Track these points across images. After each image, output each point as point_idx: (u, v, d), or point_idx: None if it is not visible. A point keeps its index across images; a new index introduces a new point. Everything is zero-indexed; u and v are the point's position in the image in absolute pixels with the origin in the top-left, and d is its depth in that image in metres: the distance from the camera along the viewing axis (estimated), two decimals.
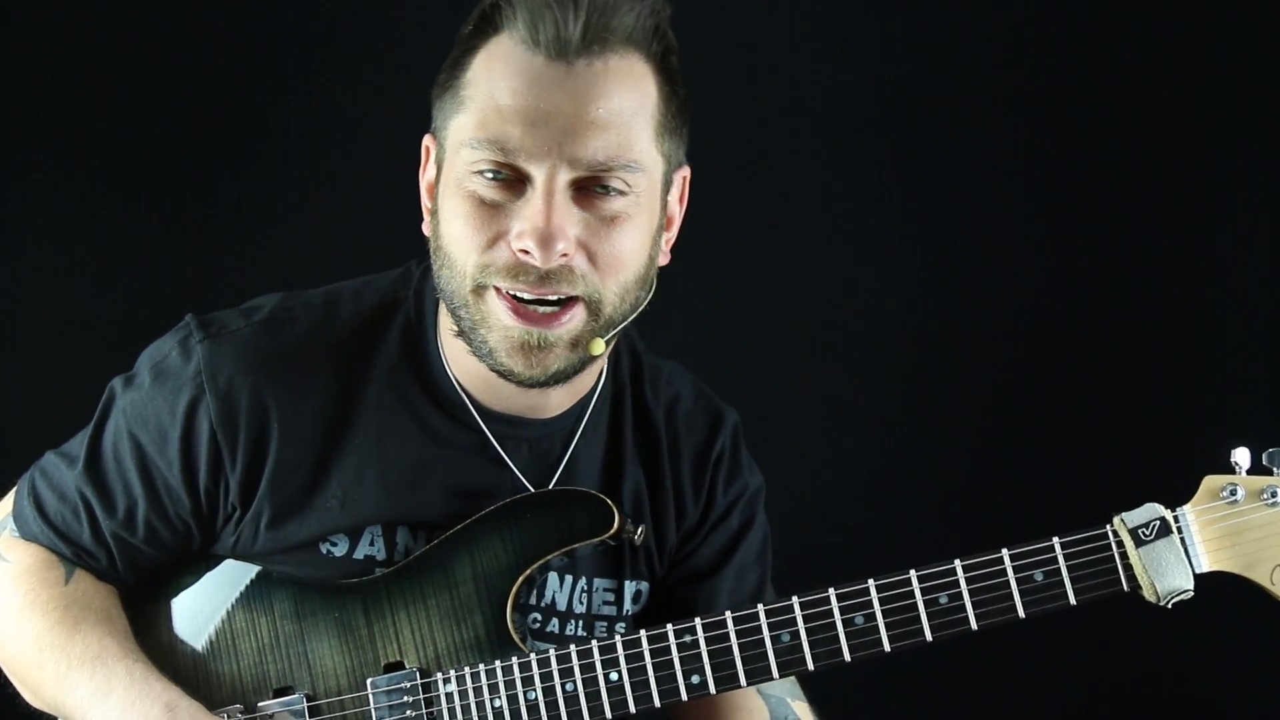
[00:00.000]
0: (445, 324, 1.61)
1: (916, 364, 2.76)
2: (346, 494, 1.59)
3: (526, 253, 1.47)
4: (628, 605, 1.70)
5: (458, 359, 1.61)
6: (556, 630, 1.67)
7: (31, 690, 1.64)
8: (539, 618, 1.66)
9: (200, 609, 1.64)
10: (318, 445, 1.59)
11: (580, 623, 1.68)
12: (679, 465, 1.72)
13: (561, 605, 1.67)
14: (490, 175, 1.48)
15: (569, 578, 1.67)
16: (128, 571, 1.65)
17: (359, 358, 1.62)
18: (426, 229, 1.60)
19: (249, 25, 2.70)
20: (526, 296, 1.49)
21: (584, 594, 1.67)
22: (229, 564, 1.64)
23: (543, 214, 1.46)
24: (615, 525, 1.58)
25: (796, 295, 2.75)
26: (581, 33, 1.45)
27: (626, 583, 1.70)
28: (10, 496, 1.70)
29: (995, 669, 2.38)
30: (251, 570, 1.63)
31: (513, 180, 1.48)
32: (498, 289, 1.50)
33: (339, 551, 1.61)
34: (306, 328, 1.62)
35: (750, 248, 2.73)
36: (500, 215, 1.48)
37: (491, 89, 1.47)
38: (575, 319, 1.51)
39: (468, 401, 1.63)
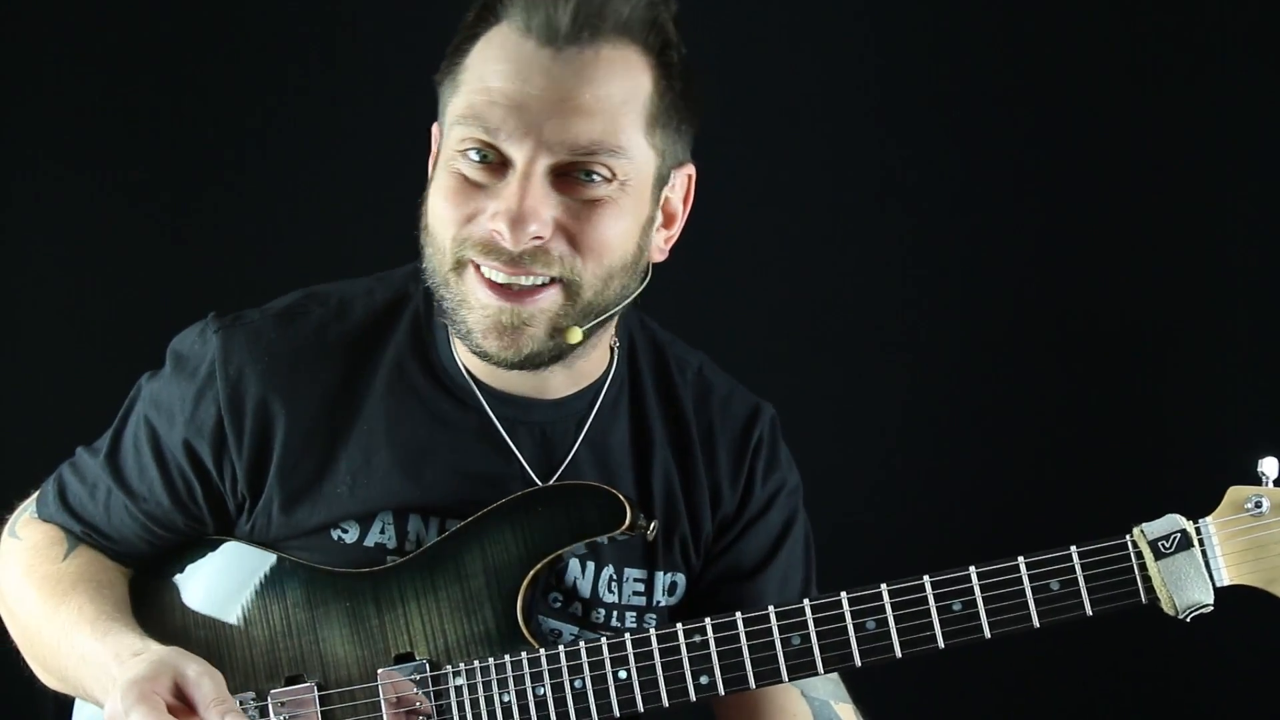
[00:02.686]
0: None
1: (929, 364, 2.71)
2: (355, 478, 1.61)
3: (499, 233, 1.47)
4: (659, 596, 1.68)
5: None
6: (580, 614, 1.66)
7: (40, 663, 1.68)
8: (559, 597, 1.65)
9: (214, 594, 1.65)
10: (325, 432, 1.61)
11: (608, 612, 1.66)
12: (714, 452, 1.70)
13: (585, 591, 1.65)
14: (476, 156, 1.49)
15: (591, 564, 1.65)
16: (139, 553, 1.68)
17: (368, 350, 1.64)
18: None
19: (254, 20, 2.69)
20: (500, 279, 1.50)
21: (613, 583, 1.66)
22: (241, 548, 1.65)
23: (516, 196, 1.47)
24: (627, 520, 1.56)
25: (802, 296, 2.71)
26: (571, 19, 1.46)
27: (658, 574, 1.68)
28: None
29: (997, 668, 2.35)
30: (264, 556, 1.63)
31: (496, 164, 1.49)
32: (476, 268, 1.51)
33: (350, 539, 1.62)
34: (318, 321, 1.65)
35: (752, 248, 2.69)
36: (480, 194, 1.50)
37: (483, 71, 1.49)
38: (549, 297, 1.51)
39: (474, 387, 1.63)
